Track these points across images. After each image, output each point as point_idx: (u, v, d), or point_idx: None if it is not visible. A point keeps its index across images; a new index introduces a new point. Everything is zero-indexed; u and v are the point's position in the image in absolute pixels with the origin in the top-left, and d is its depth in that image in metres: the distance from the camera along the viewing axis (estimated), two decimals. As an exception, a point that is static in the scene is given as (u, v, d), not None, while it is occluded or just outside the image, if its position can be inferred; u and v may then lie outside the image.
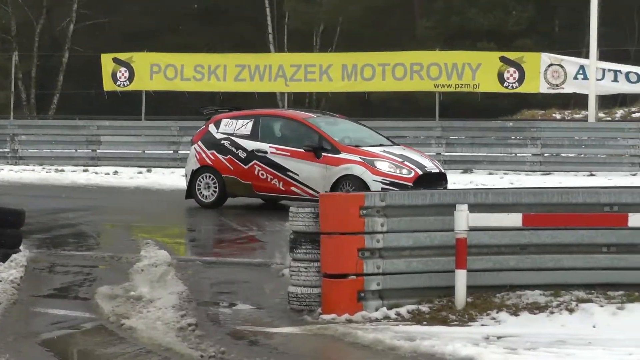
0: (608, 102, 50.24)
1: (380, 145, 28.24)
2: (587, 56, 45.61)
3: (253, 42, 57.57)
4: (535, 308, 15.30)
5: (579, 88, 47.06)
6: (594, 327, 14.47)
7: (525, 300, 15.53)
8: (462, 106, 48.22)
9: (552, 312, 15.15)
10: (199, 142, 30.56)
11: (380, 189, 21.94)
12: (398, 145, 29.10)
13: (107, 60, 50.27)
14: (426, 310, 15.28)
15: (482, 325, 14.61)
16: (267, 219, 17.43)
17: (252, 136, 29.48)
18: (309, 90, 54.79)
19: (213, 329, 14.67)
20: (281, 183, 28.03)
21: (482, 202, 15.86)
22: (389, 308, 15.35)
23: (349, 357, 13.54)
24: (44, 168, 43.36)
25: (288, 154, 28.27)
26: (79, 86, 59.13)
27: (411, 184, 25.40)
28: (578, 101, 49.17)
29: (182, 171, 40.56)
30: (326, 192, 21.08)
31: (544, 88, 47.43)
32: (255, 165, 28.77)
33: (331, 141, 27.91)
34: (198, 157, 30.23)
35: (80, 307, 16.29)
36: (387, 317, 15.11)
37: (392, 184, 25.36)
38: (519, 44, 51.78)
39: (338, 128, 29.57)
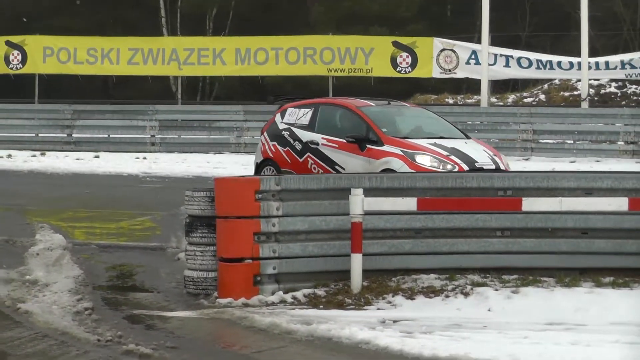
0: (500, 87, 50.53)
1: (442, 138, 24.06)
2: (479, 41, 45.92)
3: (146, 26, 57.39)
4: (430, 292, 15.40)
5: (472, 73, 47.45)
6: (489, 310, 14.57)
7: (421, 284, 15.62)
8: (356, 90, 48.32)
9: (447, 296, 15.24)
10: (265, 133, 27.22)
11: None
12: (469, 139, 25.00)
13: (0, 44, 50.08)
14: (322, 294, 15.34)
15: (379, 309, 14.67)
16: (163, 203, 17.26)
17: (310, 126, 25.90)
18: (202, 74, 54.72)
19: (109, 313, 14.65)
20: None
21: (377, 186, 15.98)
22: (286, 292, 15.42)
23: (245, 341, 13.54)
24: None
25: (337, 145, 24.85)
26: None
27: None
28: (470, 86, 49.49)
29: (75, 155, 40.58)
30: None
31: (436, 73, 47.85)
32: (308, 158, 25.24)
33: (377, 132, 24.38)
34: (262, 149, 26.95)
35: None
36: (283, 301, 15.16)
37: None
38: (412, 29, 52.01)
39: (396, 118, 25.78)
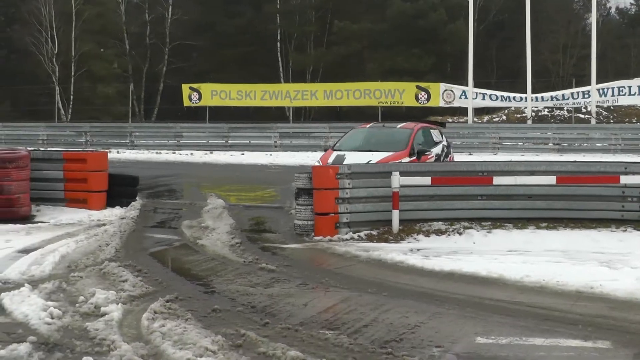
0: (479, 112, 50.10)
1: (369, 150, 18.79)
2: (467, 84, 45.45)
3: (270, 78, 57.29)
4: (439, 232, 15.35)
5: (462, 104, 47.22)
6: (473, 243, 14.56)
7: (433, 228, 15.55)
8: (394, 114, 48.16)
9: (448, 235, 15.21)
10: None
11: None
12: (391, 153, 18.44)
13: (185, 88, 50.14)
14: (375, 234, 15.33)
15: (408, 242, 14.64)
16: (281, 181, 17.32)
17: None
18: (304, 105, 54.42)
19: (250, 245, 14.58)
20: None
21: (408, 170, 15.94)
22: (354, 233, 15.40)
23: (330, 261, 13.51)
24: (149, 151, 43.16)
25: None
26: (169, 103, 58.87)
27: None
28: (461, 111, 49.02)
29: (230, 153, 40.52)
30: None
31: (442, 103, 47.69)
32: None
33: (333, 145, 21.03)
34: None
35: (172, 233, 16.24)
36: (352, 238, 15.15)
37: None
38: (427, 78, 51.55)
39: (365, 135, 20.66)
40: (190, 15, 61.86)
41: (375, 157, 18.13)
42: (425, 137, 20.52)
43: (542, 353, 8.43)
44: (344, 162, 17.35)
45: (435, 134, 21.48)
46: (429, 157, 19.55)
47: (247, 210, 19.25)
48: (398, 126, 20.95)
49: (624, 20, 70.09)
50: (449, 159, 21.60)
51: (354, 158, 18.07)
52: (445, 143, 21.87)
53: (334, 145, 20.52)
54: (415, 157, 18.62)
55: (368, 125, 21.96)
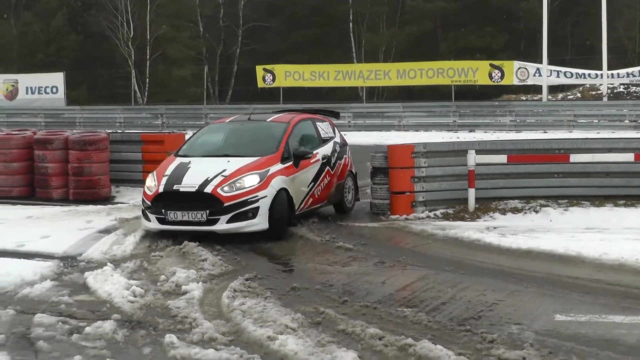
0: (553, 89, 49.59)
1: (226, 155, 13.80)
2: (541, 62, 45.00)
3: (343, 58, 57.19)
4: (515, 210, 15.24)
5: (537, 81, 46.77)
6: (550, 221, 14.46)
7: (509, 206, 15.45)
8: (467, 93, 47.83)
9: (525, 213, 15.11)
10: None
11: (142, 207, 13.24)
12: (255, 158, 13.43)
13: (259, 70, 50.28)
14: (451, 212, 15.26)
15: (485, 220, 14.58)
16: (357, 160, 16.95)
17: None
18: (377, 85, 54.02)
19: (328, 224, 14.65)
20: None
21: (483, 148, 15.81)
22: (430, 211, 15.34)
23: (406, 239, 13.48)
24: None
25: None
26: (243, 84, 59.07)
27: (149, 203, 12.98)
28: (536, 89, 48.57)
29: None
30: None
31: (516, 81, 47.26)
32: None
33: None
34: None
35: None
36: (428, 217, 15.11)
37: (143, 201, 13.31)
38: (500, 56, 51.09)
39: (221, 135, 15.47)
40: (266, 1, 62.04)
41: (232, 165, 13.15)
42: (307, 134, 15.36)
43: (623, 330, 8.34)
44: (186, 175, 12.96)
45: (323, 127, 16.32)
46: (312, 160, 14.58)
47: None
48: (268, 119, 15.63)
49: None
50: (343, 162, 16.31)
51: (199, 168, 13.19)
52: (338, 140, 16.53)
53: (179, 149, 14.77)
54: (291, 163, 13.79)
55: (228, 120, 16.16)
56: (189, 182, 12.68)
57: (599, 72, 45.53)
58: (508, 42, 58.35)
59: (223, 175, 12.63)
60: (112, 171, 18.29)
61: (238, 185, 12.44)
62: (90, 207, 16.76)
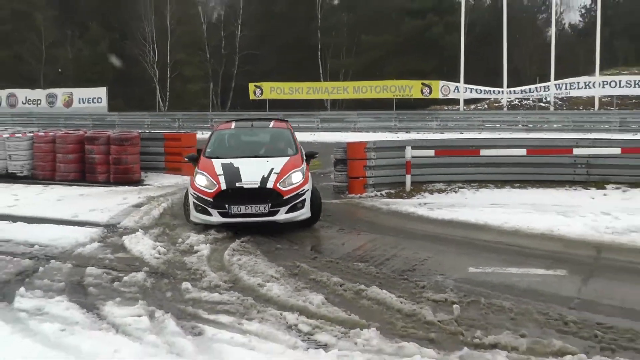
0: (468, 102, 49.52)
1: (256, 156, 12.25)
2: (459, 81, 44.94)
3: (314, 78, 56.85)
4: (440, 191, 15.20)
5: (456, 96, 46.43)
6: (466, 199, 14.41)
7: (436, 188, 15.40)
8: (405, 104, 47.67)
9: (447, 193, 15.07)
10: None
11: (193, 203, 11.24)
12: (291, 156, 12.24)
13: (251, 86, 49.70)
14: (393, 192, 15.16)
15: (417, 198, 14.47)
16: (323, 153, 17.03)
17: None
18: (338, 98, 53.46)
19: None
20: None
21: (417, 145, 15.73)
22: (377, 191, 15.26)
23: (360, 212, 13.42)
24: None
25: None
26: (239, 97, 58.76)
27: (211, 199, 11.03)
28: (455, 102, 48.42)
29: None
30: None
31: (440, 96, 46.98)
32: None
33: (202, 152, 12.68)
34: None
35: None
36: (376, 195, 14.99)
37: (198, 198, 11.22)
38: (429, 77, 50.80)
39: (236, 139, 13.40)
40: (255, 31, 61.69)
41: (273, 164, 11.66)
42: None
43: (517, 279, 8.44)
44: (242, 174, 11.29)
45: None
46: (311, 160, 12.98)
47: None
48: (270, 125, 13.92)
49: (574, 32, 69.23)
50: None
51: (249, 168, 11.53)
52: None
53: (206, 151, 12.74)
54: (306, 162, 12.49)
55: (233, 126, 13.89)
56: (249, 180, 11.08)
57: (500, 89, 45.56)
58: (435, 66, 58.24)
59: (275, 173, 11.28)
60: (142, 161, 18.25)
61: (288, 181, 11.26)
62: (126, 187, 16.76)
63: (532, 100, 49.51)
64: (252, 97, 50.18)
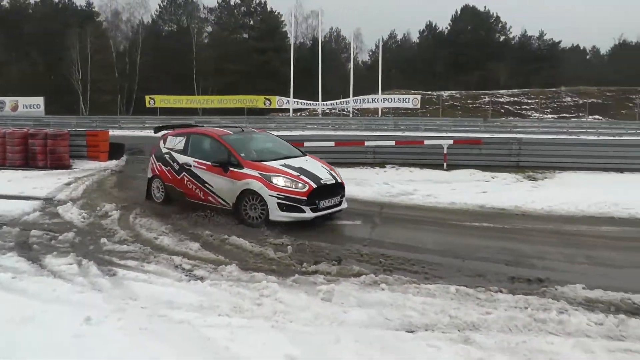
0: (296, 111, 49.35)
1: (287, 157, 9.55)
2: (289, 96, 45.07)
3: (191, 92, 55.17)
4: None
5: (288, 106, 46.46)
6: (385, 172, 14.21)
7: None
8: (253, 112, 47.28)
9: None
10: (153, 155, 10.98)
11: (276, 204, 8.56)
12: (305, 156, 9.95)
13: (147, 97, 47.75)
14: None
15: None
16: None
17: (184, 151, 10.18)
18: (208, 107, 51.39)
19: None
20: (202, 193, 9.58)
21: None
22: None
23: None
24: (129, 130, 40.59)
25: (204, 167, 9.57)
26: (139, 105, 56.03)
27: (305, 198, 8.57)
28: (287, 110, 48.17)
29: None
30: (233, 203, 9.05)
31: (277, 106, 46.93)
32: (184, 177, 9.96)
33: (237, 157, 9.14)
34: (151, 167, 10.95)
35: (141, 171, 13.49)
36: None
37: (286, 198, 8.55)
38: (270, 93, 50.25)
39: (250, 144, 9.95)
40: (150, 59, 59.49)
41: (316, 162, 9.74)
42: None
43: (322, 227, 8.55)
44: (316, 172, 9.11)
45: None
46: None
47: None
48: (257, 131, 11.19)
49: (365, 66, 71.21)
50: None
51: (310, 166, 9.34)
52: None
53: (246, 155, 9.37)
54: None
55: (232, 132, 10.31)
56: (325, 177, 9.05)
57: (317, 102, 46.19)
58: (274, 86, 57.58)
59: (330, 170, 9.46)
60: (70, 151, 17.23)
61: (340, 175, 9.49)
62: (59, 171, 15.65)
63: (338, 110, 50.68)
64: (147, 105, 48.42)
